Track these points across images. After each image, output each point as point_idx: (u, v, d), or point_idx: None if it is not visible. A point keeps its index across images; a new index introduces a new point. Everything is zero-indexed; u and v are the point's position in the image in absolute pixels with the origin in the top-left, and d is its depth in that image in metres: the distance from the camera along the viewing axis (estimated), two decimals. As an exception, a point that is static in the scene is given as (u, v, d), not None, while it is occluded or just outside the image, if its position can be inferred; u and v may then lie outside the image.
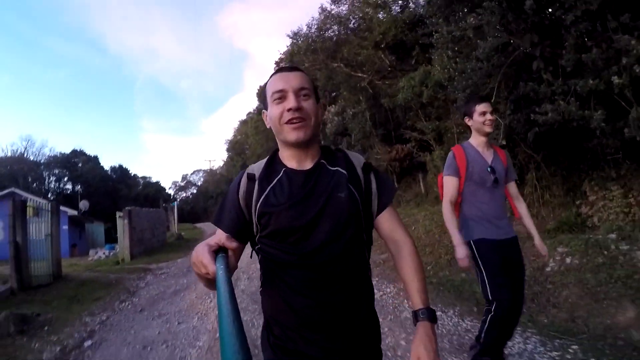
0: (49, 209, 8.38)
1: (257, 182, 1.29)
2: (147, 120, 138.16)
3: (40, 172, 46.08)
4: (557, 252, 5.01)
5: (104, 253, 15.41)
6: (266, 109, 1.35)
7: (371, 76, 13.78)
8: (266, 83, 1.34)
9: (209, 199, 56.38)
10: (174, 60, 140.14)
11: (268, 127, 1.37)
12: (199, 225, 35.19)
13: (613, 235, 4.88)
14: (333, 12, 15.56)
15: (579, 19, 4.78)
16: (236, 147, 44.63)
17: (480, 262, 2.82)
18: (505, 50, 6.04)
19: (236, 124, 49.65)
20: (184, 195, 69.27)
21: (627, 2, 4.61)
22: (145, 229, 13.65)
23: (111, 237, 25.76)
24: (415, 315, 1.24)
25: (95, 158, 50.50)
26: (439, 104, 10.70)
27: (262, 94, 1.43)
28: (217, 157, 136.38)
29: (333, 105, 16.08)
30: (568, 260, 4.83)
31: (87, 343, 4.61)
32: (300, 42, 16.01)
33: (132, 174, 57.52)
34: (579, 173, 6.55)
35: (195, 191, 69.08)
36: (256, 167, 1.36)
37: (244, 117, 43.35)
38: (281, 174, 1.30)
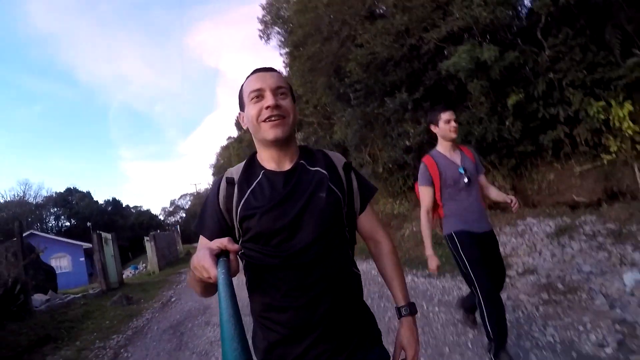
0: (111, 238, 12.50)
1: (236, 186, 1.28)
2: (125, 148, 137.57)
3: (40, 212, 49.43)
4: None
5: (130, 272, 19.43)
6: (242, 110, 1.34)
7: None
8: (242, 84, 1.33)
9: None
10: (145, 85, 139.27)
11: (245, 127, 1.36)
12: (195, 244, 38.64)
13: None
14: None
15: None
16: (221, 171, 47.41)
17: (462, 253, 3.00)
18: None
19: (218, 149, 53.32)
20: (174, 219, 71.83)
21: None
22: (164, 247, 17.80)
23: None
24: (399, 310, 1.37)
25: (89, 194, 54.10)
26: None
27: (238, 96, 1.37)
28: (202, 180, 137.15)
29: (300, 133, 19.99)
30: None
31: (172, 299, 8.83)
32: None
33: (125, 205, 60.85)
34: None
35: (184, 215, 71.44)
36: (234, 171, 1.33)
37: (225, 142, 47.27)
38: (260, 176, 1.29)
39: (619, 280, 4.13)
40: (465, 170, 3.08)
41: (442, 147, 3.17)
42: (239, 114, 1.37)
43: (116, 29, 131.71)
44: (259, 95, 1.25)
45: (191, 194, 69.19)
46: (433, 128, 3.19)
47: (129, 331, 6.59)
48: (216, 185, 1.32)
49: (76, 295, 10.13)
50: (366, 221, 1.44)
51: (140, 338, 6.08)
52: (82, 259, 26.55)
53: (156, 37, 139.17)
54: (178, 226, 36.97)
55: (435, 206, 3.18)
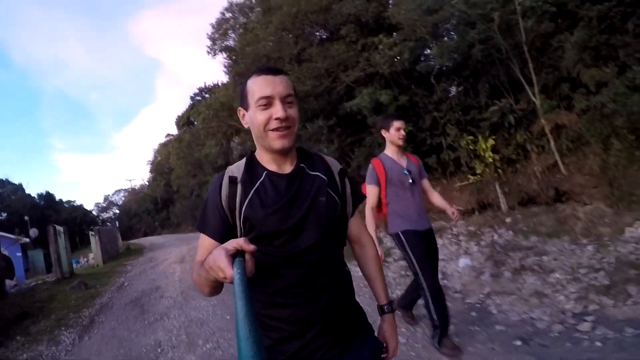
0: (63, 232, 13.68)
1: (239, 185, 1.30)
2: (58, 138, 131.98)
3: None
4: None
5: (73, 266, 20.20)
6: (244, 108, 1.35)
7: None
8: (248, 82, 1.33)
9: (133, 217, 58.24)
10: (83, 71, 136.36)
11: (246, 127, 1.37)
12: (132, 241, 38.39)
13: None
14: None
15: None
16: (158, 168, 48.09)
17: (408, 250, 3.35)
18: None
19: (155, 145, 53.30)
20: (107, 215, 70.51)
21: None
22: (107, 242, 18.93)
23: (49, 263, 28.37)
24: (382, 308, 1.53)
25: (21, 186, 52.07)
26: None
27: (242, 91, 1.37)
28: (136, 176, 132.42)
29: (236, 137, 21.40)
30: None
31: (125, 284, 10.43)
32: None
33: (58, 199, 59.07)
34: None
35: (117, 211, 70.54)
36: (236, 169, 1.35)
37: (163, 140, 47.50)
38: (263, 176, 1.32)
39: (456, 264, 6.39)
40: (409, 172, 3.46)
41: (390, 151, 3.54)
42: (239, 109, 1.38)
43: (56, 8, 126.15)
44: (267, 102, 1.26)
45: (126, 190, 69.00)
46: (384, 133, 3.54)
47: (96, 306, 8.19)
48: (217, 183, 1.33)
49: (37, 282, 11.42)
50: (355, 225, 1.53)
51: (107, 309, 7.75)
52: (19, 254, 26.15)
53: (98, 21, 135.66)
54: (117, 222, 37.15)
55: (379, 205, 3.52)
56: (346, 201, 1.46)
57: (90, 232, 18.37)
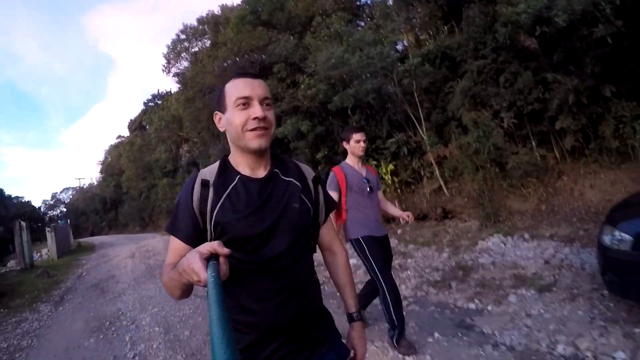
0: (25, 227, 15.18)
1: (211, 189, 1.29)
2: (5, 131, 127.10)
3: None
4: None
5: (25, 261, 21.45)
6: (220, 111, 1.36)
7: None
8: (226, 85, 1.35)
9: (81, 216, 58.67)
10: (34, 64, 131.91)
11: (222, 130, 1.38)
12: (81, 239, 38.70)
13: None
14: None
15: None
16: (109, 169, 48.58)
17: (368, 254, 3.47)
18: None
19: (106, 146, 53.51)
20: (54, 213, 70.50)
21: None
22: (61, 239, 20.34)
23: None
24: (351, 316, 1.55)
25: None
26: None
27: (219, 95, 1.38)
28: (85, 175, 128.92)
29: (185, 145, 22.47)
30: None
31: (84, 274, 12.22)
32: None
33: (7, 195, 57.80)
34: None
35: (64, 209, 70.39)
36: (208, 173, 1.35)
37: (114, 141, 48.21)
38: (236, 181, 1.32)
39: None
40: (368, 180, 3.61)
41: (351, 160, 3.68)
42: (216, 114, 1.39)
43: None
44: (245, 103, 1.27)
45: (74, 188, 68.59)
46: (344, 144, 3.69)
47: (62, 288, 10.03)
48: (189, 186, 1.32)
49: (5, 270, 13.04)
50: (326, 233, 1.56)
51: (73, 291, 9.63)
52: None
53: (53, 13, 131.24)
54: (68, 220, 37.59)
55: (338, 211, 3.60)
56: (319, 208, 1.47)
57: (47, 229, 19.76)
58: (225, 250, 0.97)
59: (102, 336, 5.65)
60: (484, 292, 5.07)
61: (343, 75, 9.93)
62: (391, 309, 3.43)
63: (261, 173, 1.37)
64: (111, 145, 49.94)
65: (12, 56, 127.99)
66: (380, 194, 3.86)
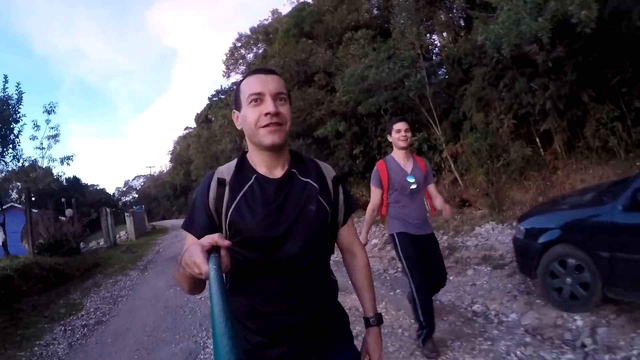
0: (109, 212, 18.13)
1: (227, 187, 1.28)
2: (76, 123, 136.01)
3: (5, 186, 51.52)
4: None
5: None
6: (237, 109, 1.34)
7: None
8: (241, 83, 1.34)
9: (152, 201, 62.30)
10: (101, 60, 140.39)
11: (239, 127, 1.35)
12: (154, 223, 43.19)
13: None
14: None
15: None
16: (178, 159, 51.92)
17: (400, 252, 3.40)
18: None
19: (175, 137, 57.01)
20: (126, 199, 74.00)
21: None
22: (138, 222, 23.56)
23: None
24: (368, 321, 1.48)
25: (49, 169, 56.24)
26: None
27: (235, 94, 1.37)
28: (155, 164, 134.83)
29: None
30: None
31: (161, 250, 14.84)
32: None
33: (84, 183, 63.51)
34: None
35: (136, 195, 73.99)
36: (226, 171, 1.33)
37: (182, 132, 51.68)
38: (252, 180, 1.29)
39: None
40: (413, 178, 3.41)
41: (396, 154, 3.51)
42: (234, 112, 1.37)
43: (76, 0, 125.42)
44: (258, 99, 1.25)
45: (145, 176, 72.62)
46: (389, 137, 3.54)
47: (144, 261, 12.55)
48: (206, 184, 1.31)
49: (96, 247, 16.00)
50: (346, 234, 1.50)
51: (153, 262, 12.11)
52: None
53: (115, 10, 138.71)
54: (142, 206, 41.50)
55: (381, 204, 3.55)
56: (338, 209, 1.43)
57: (126, 213, 23.00)
58: (226, 243, 0.95)
59: (178, 289, 6.98)
60: (454, 267, 6.30)
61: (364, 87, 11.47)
62: (418, 309, 3.42)
63: (278, 172, 1.33)
64: (179, 137, 53.72)
65: (79, 53, 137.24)
66: (431, 187, 3.69)
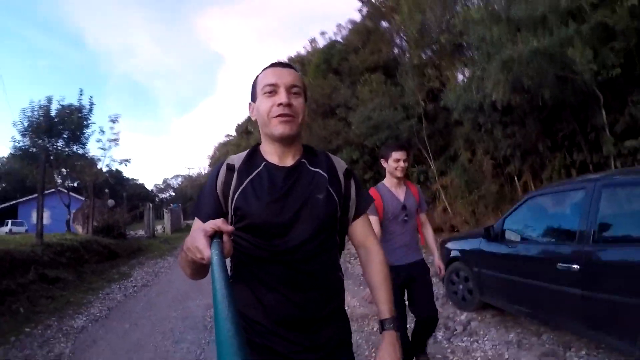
0: (151, 207, 20.83)
1: (235, 173, 1.28)
2: (121, 118, 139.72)
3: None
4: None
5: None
6: (253, 100, 1.35)
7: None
8: (257, 75, 1.34)
9: (188, 200, 63.18)
10: (149, 59, 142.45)
11: (253, 119, 1.36)
12: (189, 222, 45.71)
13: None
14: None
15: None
16: (217, 164, 54.03)
17: None
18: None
19: (215, 143, 59.54)
20: (163, 196, 76.84)
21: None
22: (175, 218, 26.36)
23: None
24: (382, 324, 1.33)
25: (93, 160, 59.73)
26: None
27: (252, 85, 1.38)
28: (195, 165, 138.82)
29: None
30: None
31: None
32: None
33: (125, 177, 67.03)
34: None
35: (173, 193, 76.61)
36: (236, 158, 1.34)
37: (223, 139, 54.10)
38: (261, 167, 1.29)
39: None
40: (405, 207, 3.20)
41: (389, 181, 3.26)
42: (250, 104, 1.38)
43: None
44: (272, 90, 1.26)
45: (183, 176, 74.56)
46: (383, 162, 3.28)
47: (179, 250, 14.90)
48: (216, 169, 1.32)
49: (137, 236, 18.77)
50: (359, 228, 1.43)
51: (186, 252, 14.48)
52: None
53: (166, 14, 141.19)
54: (180, 204, 44.33)
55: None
56: (349, 203, 1.39)
57: (165, 210, 25.82)
58: (229, 228, 0.95)
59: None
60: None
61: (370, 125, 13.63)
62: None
63: (289, 162, 1.32)
64: (220, 143, 55.77)
65: (129, 49, 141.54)
66: (423, 217, 3.50)
